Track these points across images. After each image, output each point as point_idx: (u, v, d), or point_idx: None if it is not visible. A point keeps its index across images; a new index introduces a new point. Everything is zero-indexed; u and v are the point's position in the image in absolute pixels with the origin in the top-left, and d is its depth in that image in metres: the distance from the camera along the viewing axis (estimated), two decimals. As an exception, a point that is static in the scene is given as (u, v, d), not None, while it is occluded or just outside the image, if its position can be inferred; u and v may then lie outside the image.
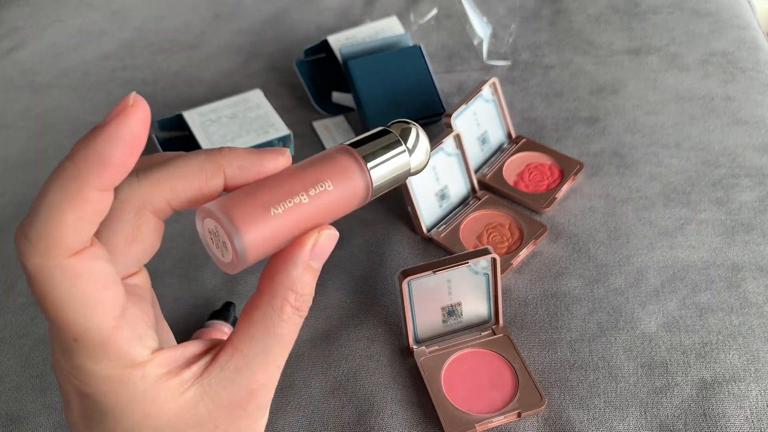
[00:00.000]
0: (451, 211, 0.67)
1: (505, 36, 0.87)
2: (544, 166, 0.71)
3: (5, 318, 0.63)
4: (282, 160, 0.25)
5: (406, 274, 0.52)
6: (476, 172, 0.70)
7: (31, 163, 0.81)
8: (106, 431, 0.23)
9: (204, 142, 0.72)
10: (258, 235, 0.23)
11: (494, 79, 0.70)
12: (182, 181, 0.24)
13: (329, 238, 0.25)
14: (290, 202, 0.24)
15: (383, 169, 0.26)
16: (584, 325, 0.56)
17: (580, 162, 0.70)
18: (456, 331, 0.56)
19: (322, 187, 0.24)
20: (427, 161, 0.28)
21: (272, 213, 0.23)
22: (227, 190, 0.24)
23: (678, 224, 0.63)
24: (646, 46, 0.86)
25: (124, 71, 0.95)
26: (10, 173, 0.80)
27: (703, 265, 0.60)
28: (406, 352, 0.56)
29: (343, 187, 0.25)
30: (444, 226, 0.65)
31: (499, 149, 0.73)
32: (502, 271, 0.60)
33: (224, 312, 0.58)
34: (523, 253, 0.62)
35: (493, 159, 0.72)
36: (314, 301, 0.63)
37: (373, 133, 0.26)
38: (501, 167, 0.71)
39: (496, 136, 0.73)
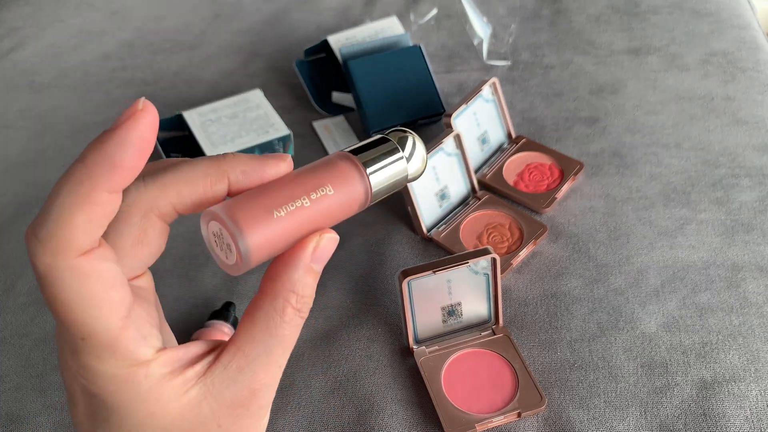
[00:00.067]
0: (451, 211, 0.67)
1: (505, 36, 0.87)
2: (544, 166, 0.71)
3: (5, 318, 0.63)
4: (284, 165, 0.26)
5: (406, 274, 0.52)
6: (476, 172, 0.70)
7: (31, 163, 0.81)
8: (111, 430, 0.24)
9: (204, 142, 0.72)
10: (261, 237, 0.23)
11: (494, 79, 0.70)
12: (188, 186, 0.24)
13: (330, 241, 0.25)
14: (292, 205, 0.24)
15: (382, 175, 0.27)
16: (584, 325, 0.56)
17: (580, 162, 0.70)
18: (456, 331, 0.56)
19: (323, 191, 0.25)
20: (424, 168, 0.29)
21: (275, 216, 0.24)
22: (231, 194, 0.25)
23: (678, 224, 0.63)
24: (646, 46, 0.87)
25: (124, 71, 0.95)
26: (10, 173, 0.80)
27: (703, 265, 0.60)
28: (406, 352, 0.56)
29: (343, 192, 0.26)
30: (444, 226, 0.65)
31: (499, 149, 0.73)
32: (502, 271, 0.60)
33: (224, 312, 0.58)
34: (523, 253, 0.62)
35: (493, 159, 0.72)
36: (315, 301, 0.63)
37: (372, 141, 0.27)
38: (501, 167, 0.71)
39: (496, 136, 0.73)
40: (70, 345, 0.22)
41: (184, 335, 0.58)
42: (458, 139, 0.65)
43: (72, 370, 0.23)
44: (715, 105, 0.76)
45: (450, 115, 0.65)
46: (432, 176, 0.65)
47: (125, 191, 0.24)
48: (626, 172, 0.69)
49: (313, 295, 0.26)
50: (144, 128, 0.22)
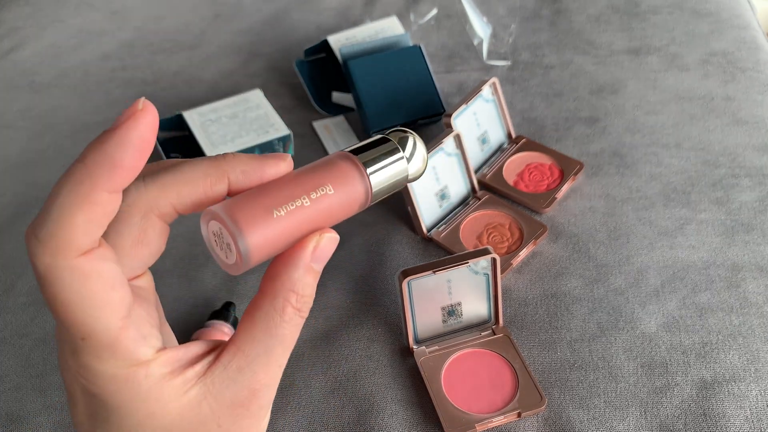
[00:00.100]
0: (451, 211, 0.67)
1: (505, 36, 0.87)
2: (544, 166, 0.71)
3: (5, 318, 0.63)
4: (284, 165, 0.26)
5: (406, 274, 0.52)
6: (476, 172, 0.70)
7: (31, 163, 0.81)
8: (111, 430, 0.24)
9: (204, 142, 0.72)
10: (261, 237, 0.23)
11: (494, 79, 0.70)
12: (188, 186, 0.24)
13: (330, 241, 0.25)
14: (292, 205, 0.24)
15: (382, 175, 0.27)
16: (584, 325, 0.56)
17: (580, 162, 0.70)
18: (456, 331, 0.56)
19: (323, 191, 0.25)
20: (425, 169, 0.29)
21: (275, 215, 0.24)
22: (231, 194, 0.25)
23: (678, 224, 0.63)
24: (646, 46, 0.87)
25: (124, 71, 0.95)
26: (10, 173, 0.80)
27: (703, 265, 0.60)
28: (406, 352, 0.56)
29: (343, 192, 0.26)
30: (444, 226, 0.65)
31: (499, 149, 0.73)
32: (502, 271, 0.60)
33: (224, 312, 0.58)
34: (523, 253, 0.62)
35: (493, 159, 0.72)
36: (315, 301, 0.63)
37: (373, 141, 0.27)
38: (501, 167, 0.71)
39: (496, 136, 0.73)
40: (70, 345, 0.22)
41: (184, 335, 0.58)
42: (458, 139, 0.65)
43: (72, 370, 0.23)
44: (715, 105, 0.76)
45: (450, 115, 0.65)
46: (432, 176, 0.65)
47: (125, 191, 0.24)
48: (626, 172, 0.69)
49: (313, 295, 0.26)
50: (144, 128, 0.22)
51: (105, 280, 0.22)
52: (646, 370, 0.52)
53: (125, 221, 0.24)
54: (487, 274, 0.54)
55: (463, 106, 0.67)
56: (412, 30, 0.93)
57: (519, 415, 0.50)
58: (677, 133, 0.73)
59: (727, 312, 0.56)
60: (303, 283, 0.25)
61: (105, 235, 0.23)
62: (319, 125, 0.80)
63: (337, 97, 0.83)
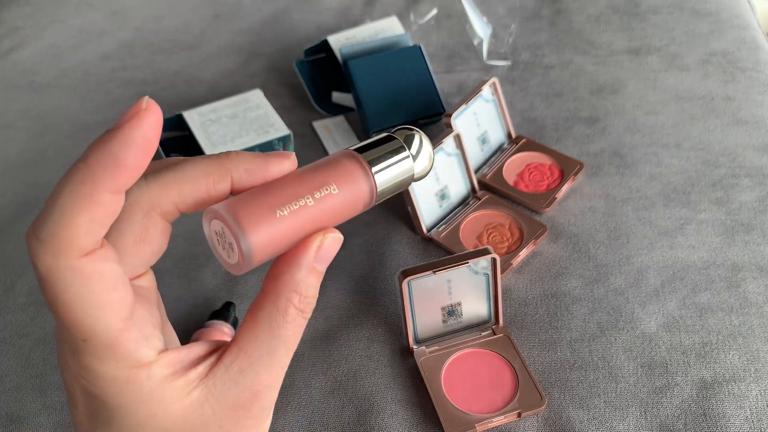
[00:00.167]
0: (451, 211, 0.67)
1: (505, 36, 0.87)
2: (544, 166, 0.71)
3: (5, 318, 0.63)
4: (287, 163, 0.25)
5: (406, 274, 0.52)
6: (476, 172, 0.70)
7: (31, 163, 0.81)
8: (111, 431, 0.24)
9: (204, 142, 0.72)
10: (264, 236, 0.23)
11: (494, 79, 0.70)
12: (190, 184, 0.24)
13: (333, 241, 0.25)
14: (296, 204, 0.24)
15: (387, 174, 0.26)
16: (584, 325, 0.56)
17: (580, 162, 0.70)
18: (456, 331, 0.56)
19: (327, 190, 0.25)
20: (431, 167, 0.28)
21: (278, 215, 0.23)
22: (234, 193, 0.25)
23: (678, 224, 0.63)
24: (646, 46, 0.86)
25: (124, 71, 0.95)
26: (10, 173, 0.80)
27: (703, 265, 0.60)
28: (406, 352, 0.56)
29: (347, 191, 0.25)
30: (444, 226, 0.65)
31: (499, 149, 0.73)
32: (502, 271, 0.60)
33: (224, 312, 0.58)
34: (523, 253, 0.62)
35: (493, 159, 0.72)
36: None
37: (378, 139, 0.27)
38: (501, 167, 0.71)
39: (496, 136, 0.73)
40: (71, 346, 0.22)
41: (184, 335, 0.58)
42: (458, 139, 0.65)
43: (72, 371, 0.23)
44: (715, 105, 0.76)
45: (450, 115, 0.65)
46: (432, 176, 0.65)
47: (127, 190, 0.23)
48: (626, 172, 0.69)
49: (316, 296, 0.25)
50: (148, 128, 0.22)
51: (106, 281, 0.21)
52: (646, 370, 0.52)
53: (127, 220, 0.24)
54: (487, 274, 0.54)
55: (463, 106, 0.67)
56: (412, 30, 0.93)
57: (519, 415, 0.50)
58: (677, 133, 0.73)
59: (727, 312, 0.56)
60: (306, 284, 0.25)
61: (106, 234, 0.23)
62: (319, 125, 0.80)
63: (337, 97, 0.83)
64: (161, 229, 0.25)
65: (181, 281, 0.64)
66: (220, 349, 0.25)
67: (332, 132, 0.79)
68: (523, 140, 0.73)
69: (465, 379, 0.53)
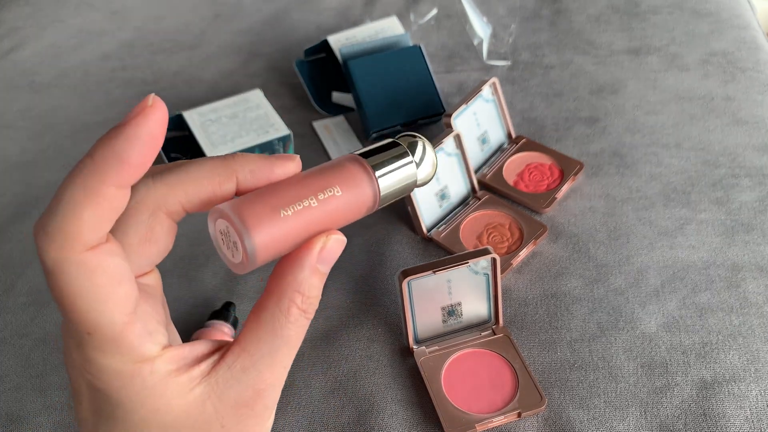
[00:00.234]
0: (451, 211, 0.67)
1: (505, 36, 0.87)
2: (544, 166, 0.71)
3: (5, 318, 0.63)
4: (292, 165, 0.26)
5: (406, 274, 0.52)
6: (476, 172, 0.70)
7: (31, 163, 0.81)
8: (115, 426, 0.24)
9: (204, 142, 0.72)
10: (267, 236, 0.23)
11: (494, 79, 0.70)
12: (196, 184, 0.24)
13: (337, 242, 0.26)
14: (299, 205, 0.24)
15: (390, 178, 0.27)
16: (584, 325, 0.56)
17: (580, 162, 0.70)
18: (456, 331, 0.56)
19: (330, 192, 0.25)
20: (434, 174, 0.29)
21: (282, 215, 0.24)
22: (239, 193, 0.25)
23: (678, 224, 0.63)
24: (646, 46, 0.87)
25: (124, 71, 0.95)
26: (10, 173, 0.80)
27: (703, 265, 0.60)
28: (406, 352, 0.56)
29: (351, 194, 0.26)
30: (444, 226, 0.65)
31: (499, 149, 0.73)
32: (502, 271, 0.60)
33: (224, 312, 0.58)
34: (523, 253, 0.62)
35: (493, 159, 0.72)
36: (314, 301, 0.61)
37: (382, 145, 0.27)
38: (501, 167, 0.71)
39: (496, 136, 0.73)
40: (76, 339, 0.23)
41: (184, 335, 0.58)
42: (458, 139, 0.65)
43: (77, 366, 0.23)
44: (715, 105, 0.76)
45: (450, 115, 0.65)
46: (432, 176, 0.64)
47: (134, 188, 0.24)
48: (626, 172, 0.69)
49: (319, 296, 0.26)
50: (153, 125, 0.22)
51: (111, 275, 0.22)
52: (646, 370, 0.52)
53: (133, 218, 0.24)
54: (487, 274, 0.54)
55: (463, 106, 0.67)
56: (412, 30, 0.93)
57: (519, 415, 0.50)
58: (677, 133, 0.73)
59: (727, 312, 0.56)
60: (309, 284, 0.25)
61: (113, 232, 0.23)
62: (319, 125, 0.80)
63: (337, 97, 0.83)
64: (167, 229, 0.25)
65: (181, 281, 0.64)
66: (222, 348, 0.25)
67: (332, 132, 0.79)
68: (523, 140, 0.73)
69: (465, 379, 0.53)
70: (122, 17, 1.06)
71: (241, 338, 0.25)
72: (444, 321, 0.55)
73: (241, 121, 0.75)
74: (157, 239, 0.25)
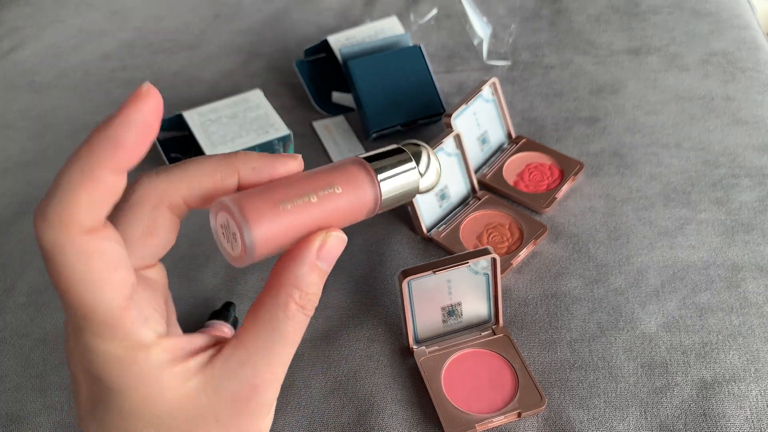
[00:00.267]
0: (451, 211, 0.67)
1: (505, 36, 0.87)
2: (544, 166, 0.71)
3: (5, 318, 0.63)
4: (294, 164, 0.26)
5: (406, 274, 0.52)
6: (476, 172, 0.70)
7: (31, 163, 0.81)
8: (109, 414, 0.24)
9: (204, 142, 0.72)
10: (267, 229, 0.24)
11: (494, 79, 0.70)
12: (198, 179, 0.25)
13: (337, 240, 0.26)
14: (300, 200, 0.25)
15: (393, 183, 0.27)
16: (584, 325, 0.56)
17: (580, 162, 0.70)
18: (456, 331, 0.56)
19: (331, 190, 0.25)
20: (437, 183, 0.29)
21: (281, 208, 0.24)
22: (241, 190, 0.25)
23: (678, 224, 0.63)
24: (646, 46, 0.87)
25: (124, 71, 0.95)
26: (10, 173, 0.80)
27: (703, 265, 0.60)
28: (406, 352, 0.56)
29: (352, 195, 0.26)
30: (444, 226, 0.65)
31: (499, 149, 0.73)
32: (502, 271, 0.60)
33: (224, 312, 0.58)
34: (523, 253, 0.62)
35: (493, 159, 0.72)
36: (314, 301, 0.61)
37: (387, 150, 0.28)
38: (501, 167, 0.71)
39: (496, 136, 0.73)
40: (74, 325, 0.23)
41: (184, 335, 0.58)
42: (458, 139, 0.65)
43: (76, 354, 0.23)
44: (715, 105, 0.76)
45: (450, 115, 0.65)
46: (432, 176, 0.64)
47: (137, 183, 0.24)
48: (626, 172, 0.69)
49: (319, 294, 0.26)
50: (147, 111, 0.22)
51: (107, 259, 0.22)
52: (646, 370, 0.52)
53: (136, 211, 0.25)
54: (487, 274, 0.54)
55: (463, 106, 0.67)
56: (412, 30, 0.93)
57: (519, 415, 0.50)
58: (677, 133, 0.73)
59: (727, 312, 0.56)
60: (308, 281, 0.25)
61: (116, 224, 0.24)
62: (319, 125, 0.80)
63: (337, 97, 0.83)
64: (169, 222, 0.25)
65: (181, 281, 0.64)
66: (221, 343, 0.25)
67: (332, 132, 0.79)
68: (523, 140, 0.73)
69: (465, 379, 0.53)
70: (122, 17, 1.06)
71: (239, 333, 0.25)
72: (444, 321, 0.55)
73: (241, 121, 0.75)
74: (159, 232, 0.25)
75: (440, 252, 0.64)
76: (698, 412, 0.49)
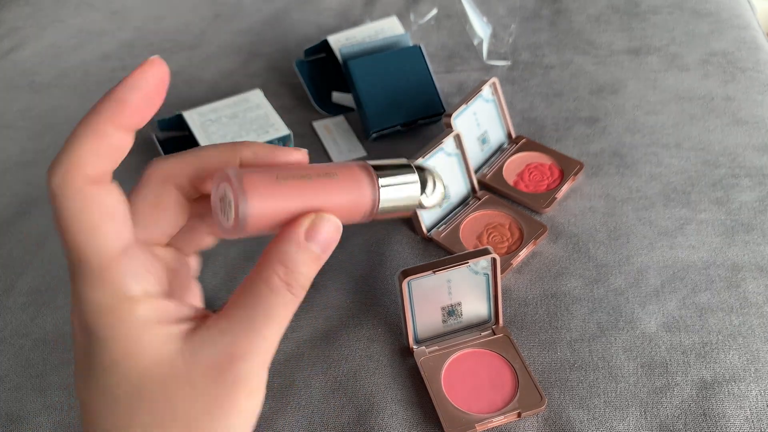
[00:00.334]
0: (451, 211, 0.67)
1: (505, 36, 0.87)
2: (544, 166, 0.71)
3: (5, 318, 0.63)
4: (297, 154, 0.28)
5: (406, 274, 0.52)
6: (476, 172, 0.70)
7: (31, 163, 0.81)
8: (93, 368, 0.25)
9: (204, 142, 0.72)
10: (261, 199, 0.25)
11: (494, 79, 0.70)
12: (203, 160, 0.28)
13: (328, 223, 0.26)
14: (297, 179, 0.26)
15: (392, 192, 0.28)
16: (584, 325, 0.56)
17: (580, 162, 0.70)
18: (456, 331, 0.56)
19: (329, 177, 0.26)
20: (438, 204, 0.30)
21: (277, 178, 0.25)
22: None
23: (678, 224, 0.63)
24: (646, 46, 0.87)
25: (124, 71, 0.95)
26: (10, 173, 0.80)
27: (703, 265, 0.60)
28: (406, 352, 0.56)
29: (351, 190, 0.27)
30: (444, 226, 0.65)
31: (499, 149, 0.73)
32: (502, 271, 0.60)
33: (224, 312, 0.58)
34: (523, 253, 0.62)
35: (493, 159, 0.72)
36: (314, 301, 0.62)
37: (394, 163, 0.29)
38: (501, 167, 0.71)
39: (496, 136, 0.73)
40: (71, 269, 0.24)
41: (184, 335, 0.58)
42: (458, 139, 0.65)
43: (73, 304, 0.25)
44: (715, 105, 0.76)
45: (450, 115, 0.65)
46: (432, 176, 0.65)
47: (148, 165, 0.27)
48: (626, 172, 0.69)
49: (308, 274, 0.26)
50: (152, 78, 0.25)
51: (105, 209, 0.24)
52: (646, 370, 0.52)
53: (144, 187, 0.27)
54: (487, 274, 0.54)
55: (463, 106, 0.67)
56: (412, 30, 0.93)
57: (519, 415, 0.50)
58: (677, 133, 0.73)
59: (727, 312, 0.56)
60: (294, 259, 0.26)
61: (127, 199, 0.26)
62: (319, 125, 0.80)
63: (337, 97, 0.83)
64: (175, 199, 0.28)
65: (181, 281, 0.64)
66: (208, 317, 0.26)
67: (332, 132, 0.79)
68: (523, 140, 0.73)
69: (465, 379, 0.53)
70: (122, 17, 1.06)
71: (224, 305, 0.26)
72: (444, 321, 0.55)
73: (241, 121, 0.75)
74: (165, 207, 0.27)
75: (440, 252, 0.64)
76: (698, 412, 0.49)
